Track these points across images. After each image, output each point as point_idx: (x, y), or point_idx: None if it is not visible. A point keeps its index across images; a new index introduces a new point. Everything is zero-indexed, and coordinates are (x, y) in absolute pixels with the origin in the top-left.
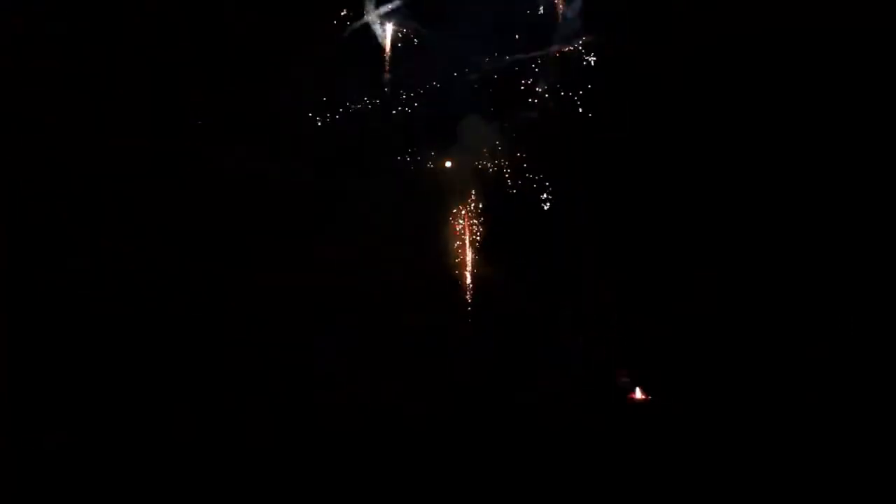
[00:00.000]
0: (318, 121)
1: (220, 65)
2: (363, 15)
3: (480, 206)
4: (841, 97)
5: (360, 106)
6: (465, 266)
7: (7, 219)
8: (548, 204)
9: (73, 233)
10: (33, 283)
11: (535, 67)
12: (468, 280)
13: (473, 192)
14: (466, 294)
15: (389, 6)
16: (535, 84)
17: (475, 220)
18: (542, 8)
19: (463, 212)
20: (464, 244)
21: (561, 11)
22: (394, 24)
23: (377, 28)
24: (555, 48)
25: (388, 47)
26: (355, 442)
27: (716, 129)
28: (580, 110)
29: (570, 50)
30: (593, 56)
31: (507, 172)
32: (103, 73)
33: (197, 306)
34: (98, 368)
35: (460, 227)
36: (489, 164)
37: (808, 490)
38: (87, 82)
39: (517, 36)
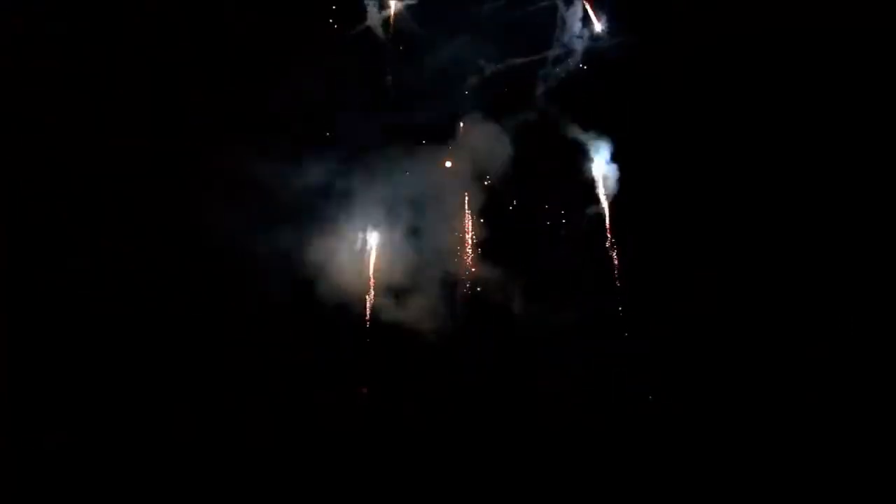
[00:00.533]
0: (318, 121)
1: (220, 65)
2: (365, 17)
3: (480, 205)
4: (841, 98)
5: (360, 106)
6: (466, 265)
7: (7, 219)
8: (548, 204)
9: (73, 233)
10: (33, 283)
11: (536, 70)
12: (468, 279)
13: (473, 192)
14: (466, 293)
15: (391, 9)
16: (534, 86)
17: (475, 220)
18: (542, 12)
19: (463, 211)
20: (464, 243)
21: (560, 16)
22: (395, 28)
23: (379, 31)
24: (555, 51)
25: (389, 49)
26: (355, 442)
27: (716, 130)
28: (579, 112)
29: (570, 53)
30: (593, 59)
31: (507, 173)
32: (103, 73)
33: (197, 306)
34: (98, 368)
35: (461, 226)
36: (489, 165)
37: (808, 489)
38: (87, 82)
39: (518, 39)
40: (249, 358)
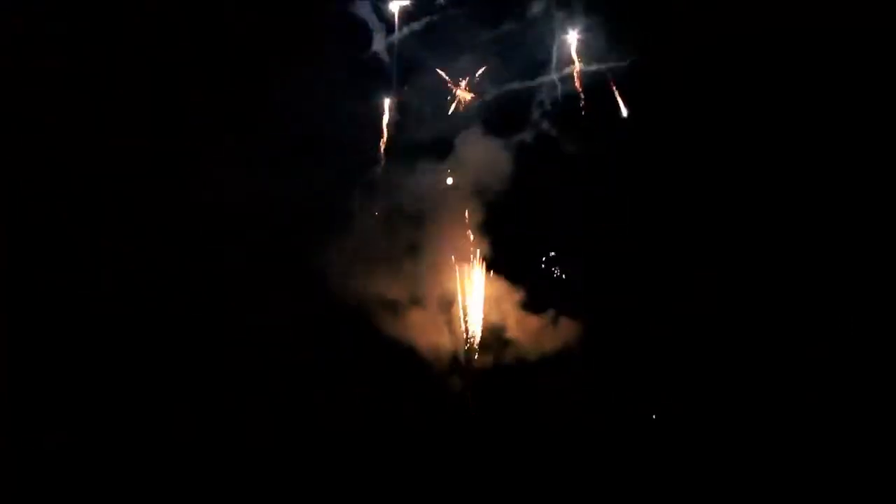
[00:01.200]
0: (319, 136)
1: (220, 65)
2: (371, 38)
3: (478, 220)
4: (839, 100)
5: (362, 123)
6: (463, 278)
7: (7, 219)
8: (543, 216)
9: (73, 233)
10: (33, 283)
11: (533, 91)
12: (465, 292)
13: (472, 207)
14: (461, 304)
15: (397, 34)
16: (531, 107)
17: (473, 234)
18: (539, 38)
19: (461, 225)
20: (462, 256)
21: (556, 42)
22: (400, 48)
23: (384, 55)
24: (551, 75)
25: (393, 70)
26: (355, 442)
27: (715, 134)
28: (575, 132)
29: (565, 76)
30: (587, 81)
31: (505, 188)
32: (103, 73)
33: (197, 306)
34: (98, 368)
35: (457, 239)
36: (488, 181)
37: (809, 490)
38: (87, 82)
39: (517, 63)
40: (249, 358)
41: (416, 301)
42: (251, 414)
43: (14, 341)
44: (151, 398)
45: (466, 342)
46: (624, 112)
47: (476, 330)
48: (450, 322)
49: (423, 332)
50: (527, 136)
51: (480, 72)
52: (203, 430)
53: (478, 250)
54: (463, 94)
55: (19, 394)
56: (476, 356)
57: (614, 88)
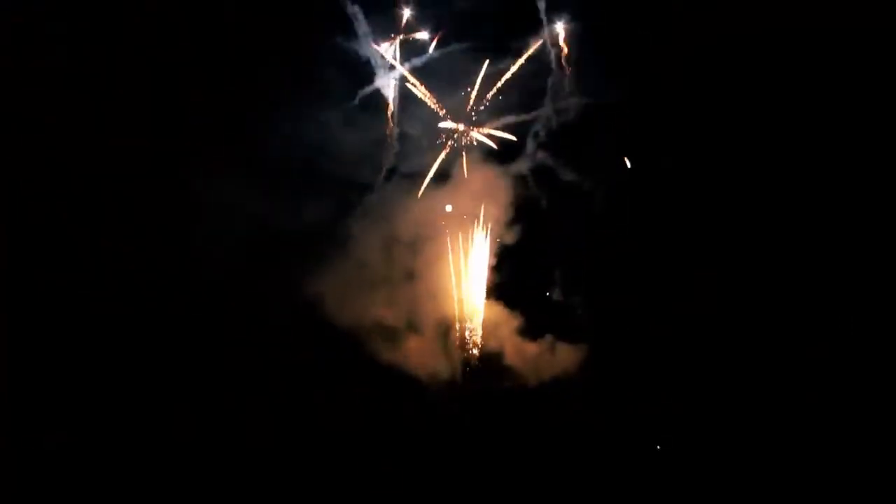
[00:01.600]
0: (320, 164)
1: (220, 65)
2: (373, 72)
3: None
4: (839, 101)
5: (363, 153)
6: (461, 303)
7: (7, 219)
8: (542, 241)
9: (73, 233)
10: (33, 283)
11: (530, 123)
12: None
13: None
14: (457, 329)
15: (399, 69)
16: (528, 137)
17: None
18: (536, 72)
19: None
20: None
21: (552, 78)
22: (401, 80)
23: (387, 90)
24: (547, 107)
25: (395, 99)
26: (355, 443)
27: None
28: (572, 162)
29: (560, 109)
30: (581, 113)
31: (503, 215)
32: (103, 73)
33: (197, 306)
34: (98, 368)
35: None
36: (486, 209)
37: (809, 490)
38: (87, 82)
39: (514, 95)
40: (249, 358)
41: (414, 326)
42: (251, 413)
43: (14, 341)
44: (151, 398)
45: (465, 364)
46: (628, 164)
47: (474, 354)
48: (447, 347)
49: (421, 356)
50: (524, 164)
51: (482, 102)
52: (202, 430)
53: (476, 275)
54: (461, 125)
55: (19, 394)
56: (473, 379)
57: (627, 163)
